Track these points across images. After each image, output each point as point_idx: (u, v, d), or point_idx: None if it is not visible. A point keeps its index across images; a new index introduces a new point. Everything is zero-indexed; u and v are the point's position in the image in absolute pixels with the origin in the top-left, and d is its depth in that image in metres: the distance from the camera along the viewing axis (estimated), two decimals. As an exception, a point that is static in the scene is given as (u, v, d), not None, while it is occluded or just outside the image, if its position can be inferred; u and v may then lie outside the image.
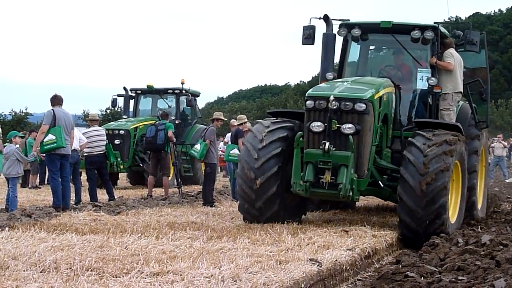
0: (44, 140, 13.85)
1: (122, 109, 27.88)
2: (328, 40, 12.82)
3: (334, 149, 10.59)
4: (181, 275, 7.73)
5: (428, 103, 12.82)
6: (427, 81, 12.40)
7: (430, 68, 12.81)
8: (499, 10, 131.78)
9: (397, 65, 13.90)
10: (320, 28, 12.93)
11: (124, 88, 24.26)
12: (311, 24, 12.89)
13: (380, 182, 11.67)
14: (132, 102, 25.09)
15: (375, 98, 11.11)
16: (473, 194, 13.16)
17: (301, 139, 11.15)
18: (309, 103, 11.15)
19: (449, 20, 16.02)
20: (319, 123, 10.89)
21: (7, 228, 11.42)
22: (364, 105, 10.72)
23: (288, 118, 12.51)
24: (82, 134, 17.38)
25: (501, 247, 9.77)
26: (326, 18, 12.55)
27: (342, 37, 13.42)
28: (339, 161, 10.48)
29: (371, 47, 15.04)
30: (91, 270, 7.83)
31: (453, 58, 12.42)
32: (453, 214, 11.56)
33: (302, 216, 12.85)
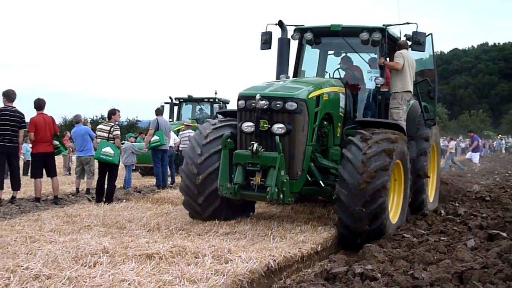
0: (151, 140, 16.85)
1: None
2: (283, 44, 11.03)
3: (263, 150, 8.66)
4: (243, 234, 8.61)
5: (378, 102, 10.94)
6: (374, 81, 10.73)
7: (379, 69, 10.95)
8: (472, 46, 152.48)
9: (350, 67, 11.96)
10: (278, 34, 11.22)
11: (170, 97, 24.84)
12: (267, 30, 11.27)
13: (321, 181, 9.33)
14: (175, 108, 25.91)
15: (309, 97, 9.02)
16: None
17: (228, 140, 9.07)
18: (241, 103, 9.19)
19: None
20: (250, 123, 8.97)
21: (124, 200, 13.33)
22: (295, 104, 8.71)
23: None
24: (179, 135, 19.99)
25: (472, 216, 10.50)
26: (280, 24, 10.81)
27: (296, 41, 11.75)
28: (267, 163, 8.52)
29: (330, 52, 12.59)
30: (182, 230, 8.84)
31: (403, 58, 10.53)
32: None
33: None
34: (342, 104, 10.40)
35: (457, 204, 12.76)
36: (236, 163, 8.91)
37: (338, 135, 10.41)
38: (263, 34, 11.21)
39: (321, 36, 11.61)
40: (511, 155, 58.43)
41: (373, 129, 9.23)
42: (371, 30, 10.51)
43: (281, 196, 8.48)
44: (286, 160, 8.71)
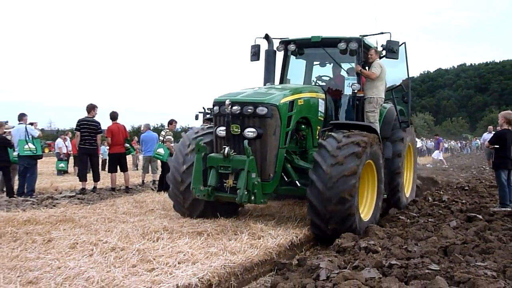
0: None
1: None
2: (269, 55, 9.49)
3: (235, 153, 7.45)
4: (272, 216, 8.55)
5: (355, 106, 9.42)
6: (351, 87, 9.34)
7: (356, 76, 9.50)
8: (453, 66, 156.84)
9: (334, 75, 10.52)
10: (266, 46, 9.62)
11: (203, 108, 24.92)
12: (256, 43, 9.86)
13: (297, 181, 7.88)
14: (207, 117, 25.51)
15: (281, 102, 7.65)
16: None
17: (201, 144, 7.70)
18: (215, 108, 7.98)
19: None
20: (223, 128, 7.71)
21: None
22: (265, 109, 7.42)
23: None
24: None
25: (454, 202, 10.41)
26: (266, 37, 9.36)
27: (282, 53, 10.22)
28: (238, 166, 7.25)
29: (316, 62, 10.98)
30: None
31: (380, 68, 9.22)
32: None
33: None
34: (321, 108, 8.93)
35: (441, 193, 12.63)
36: (210, 166, 7.64)
37: (317, 137, 8.77)
38: (252, 47, 9.88)
39: (304, 47, 10.19)
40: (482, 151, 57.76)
41: (345, 131, 7.75)
42: (348, 40, 9.18)
43: (253, 198, 7.23)
44: (258, 163, 7.43)
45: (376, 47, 9.71)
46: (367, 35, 9.38)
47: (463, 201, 10.68)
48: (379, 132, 9.02)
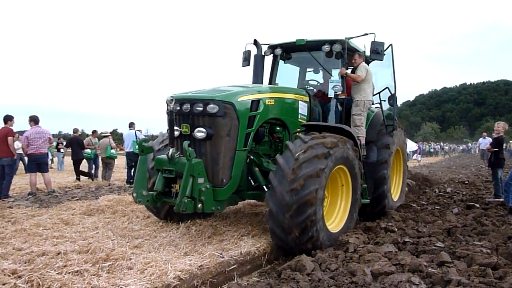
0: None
1: None
2: (257, 60, 7.40)
3: (179, 155, 5.24)
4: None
5: (339, 109, 7.17)
6: (333, 89, 6.98)
7: (341, 78, 7.09)
8: (456, 85, 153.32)
9: (324, 80, 7.92)
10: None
11: None
12: (247, 49, 7.66)
13: (264, 186, 5.53)
14: None
15: (239, 100, 5.42)
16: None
17: (143, 144, 5.50)
18: (167, 107, 5.58)
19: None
20: (176, 128, 5.54)
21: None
22: (216, 107, 5.26)
23: None
24: None
25: (456, 193, 10.03)
26: (255, 42, 7.30)
27: (271, 57, 7.92)
28: (182, 169, 5.02)
29: (309, 69, 8.37)
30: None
31: (366, 71, 7.03)
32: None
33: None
34: (303, 111, 6.56)
35: (446, 186, 12.15)
36: (158, 169, 5.39)
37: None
38: (244, 53, 7.74)
39: (290, 52, 7.80)
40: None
41: (315, 134, 5.48)
42: (332, 42, 6.94)
43: (200, 205, 4.92)
44: (208, 167, 5.19)
45: (364, 52, 7.43)
46: (352, 37, 7.16)
47: (464, 192, 10.30)
48: (364, 135, 6.93)
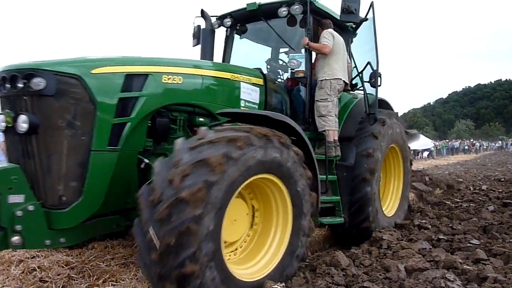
0: None
1: None
2: (205, 36, 5.25)
3: None
4: None
5: (303, 93, 5.18)
6: (288, 64, 5.34)
7: (306, 52, 5.08)
8: (490, 81, 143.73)
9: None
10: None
11: None
12: (196, 24, 5.55)
13: None
14: None
15: (92, 72, 3.08)
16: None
17: None
18: None
19: None
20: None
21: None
22: (43, 82, 2.91)
23: None
24: None
25: (492, 191, 9.64)
26: (202, 14, 5.17)
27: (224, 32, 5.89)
28: None
29: (282, 49, 6.08)
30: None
31: (332, 38, 4.86)
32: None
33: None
34: (248, 97, 4.52)
35: (481, 183, 11.77)
36: None
37: None
38: (194, 29, 5.59)
39: (244, 22, 5.60)
40: None
41: (226, 125, 3.19)
42: (290, 3, 4.91)
43: (17, 238, 2.84)
44: (38, 177, 3.07)
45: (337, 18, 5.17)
46: None
47: (500, 190, 9.92)
48: (334, 128, 4.92)
